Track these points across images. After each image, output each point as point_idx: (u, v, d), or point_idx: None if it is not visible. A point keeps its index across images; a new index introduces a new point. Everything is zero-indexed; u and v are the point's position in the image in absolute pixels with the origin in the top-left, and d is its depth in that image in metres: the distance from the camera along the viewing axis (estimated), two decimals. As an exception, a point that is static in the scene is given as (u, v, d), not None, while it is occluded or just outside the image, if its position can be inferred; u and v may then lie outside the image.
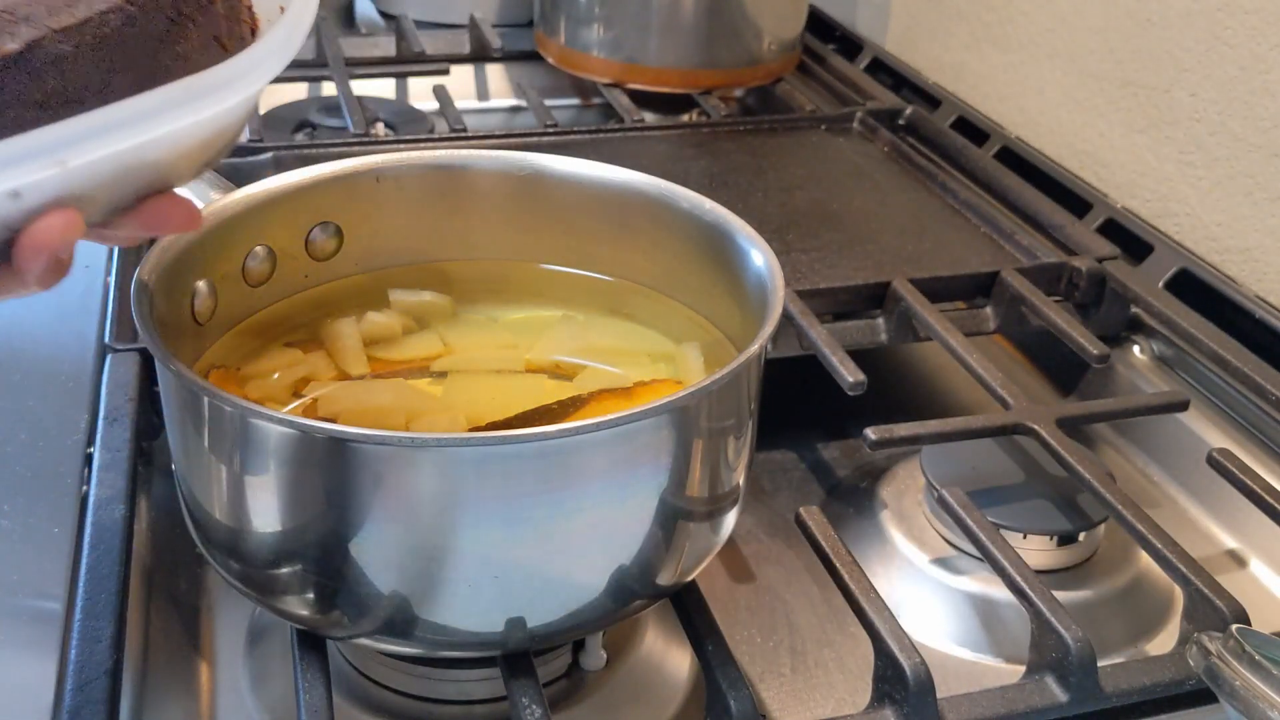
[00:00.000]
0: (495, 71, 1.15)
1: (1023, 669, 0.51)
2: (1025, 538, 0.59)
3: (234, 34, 0.42)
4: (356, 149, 0.86)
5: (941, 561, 0.60)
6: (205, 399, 0.43)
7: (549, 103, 1.02)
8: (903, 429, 0.61)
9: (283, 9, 0.41)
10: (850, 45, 1.18)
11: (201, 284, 0.51)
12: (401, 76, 1.11)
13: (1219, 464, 0.61)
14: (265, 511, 0.43)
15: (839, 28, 1.20)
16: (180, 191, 0.47)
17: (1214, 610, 0.52)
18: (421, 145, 0.88)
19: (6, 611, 0.52)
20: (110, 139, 0.36)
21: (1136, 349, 0.76)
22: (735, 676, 0.47)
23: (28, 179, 0.35)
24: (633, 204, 0.56)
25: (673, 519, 0.45)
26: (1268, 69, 0.75)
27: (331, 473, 0.41)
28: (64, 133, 0.35)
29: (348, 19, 1.27)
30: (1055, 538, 0.59)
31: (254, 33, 0.43)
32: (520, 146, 0.79)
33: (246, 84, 0.38)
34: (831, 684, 0.55)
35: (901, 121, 0.99)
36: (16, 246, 0.36)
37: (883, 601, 0.50)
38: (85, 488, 0.58)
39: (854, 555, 0.53)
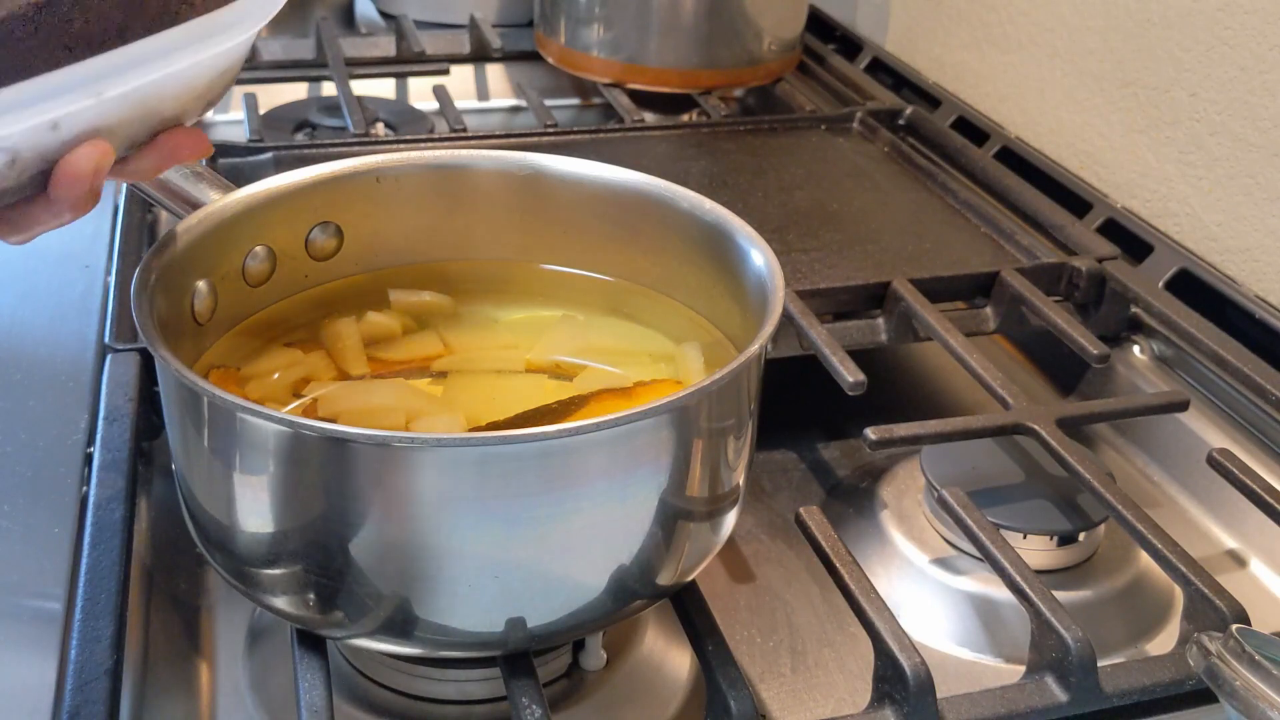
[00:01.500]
0: (495, 71, 1.14)
1: (1023, 669, 0.51)
2: (1025, 538, 0.59)
3: None
4: (356, 149, 0.86)
5: (941, 561, 0.60)
6: (205, 399, 0.43)
7: (549, 103, 1.02)
8: (903, 429, 0.61)
9: None
10: (850, 45, 1.18)
11: (201, 284, 0.51)
12: (401, 76, 1.11)
13: (1219, 464, 0.61)
14: (265, 511, 0.43)
15: (839, 28, 1.20)
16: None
17: (1214, 610, 0.52)
18: (421, 145, 0.88)
19: (6, 611, 0.52)
20: (140, 71, 0.40)
21: (1136, 349, 0.76)
22: (735, 676, 0.47)
23: (67, 109, 0.39)
24: (633, 204, 0.56)
25: (673, 519, 0.45)
26: (1268, 69, 0.75)
27: (331, 473, 0.41)
28: (99, 66, 0.39)
29: (348, 19, 1.27)
30: (1055, 538, 0.59)
31: None
32: (520, 146, 0.79)
33: (253, 21, 0.43)
34: (831, 684, 0.55)
35: (901, 121, 0.99)
36: (55, 175, 0.40)
37: (883, 601, 0.50)
38: (85, 488, 0.58)
39: (854, 555, 0.53)
